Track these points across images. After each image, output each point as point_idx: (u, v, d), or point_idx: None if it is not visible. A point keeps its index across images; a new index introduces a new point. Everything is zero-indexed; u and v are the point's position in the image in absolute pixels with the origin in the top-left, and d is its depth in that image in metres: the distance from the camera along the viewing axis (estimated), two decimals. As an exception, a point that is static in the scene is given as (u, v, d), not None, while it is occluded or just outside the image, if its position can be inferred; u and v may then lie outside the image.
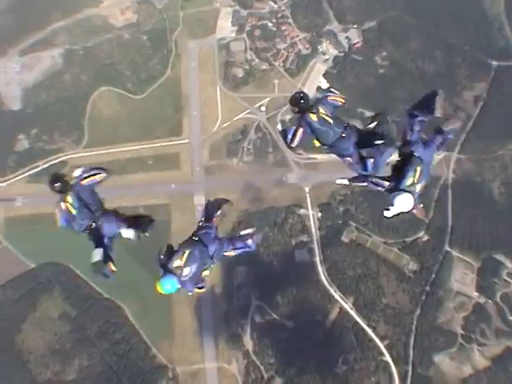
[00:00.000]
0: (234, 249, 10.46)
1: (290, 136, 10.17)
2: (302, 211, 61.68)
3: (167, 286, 8.93)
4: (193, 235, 9.92)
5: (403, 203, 9.13)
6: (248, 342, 58.75)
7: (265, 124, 64.35)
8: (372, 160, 10.34)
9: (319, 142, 10.39)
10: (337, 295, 58.64)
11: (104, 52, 66.64)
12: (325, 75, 65.69)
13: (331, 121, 9.96)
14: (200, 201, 60.86)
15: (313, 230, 60.97)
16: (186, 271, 8.86)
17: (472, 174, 61.24)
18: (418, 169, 9.18)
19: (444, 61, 64.81)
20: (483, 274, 57.76)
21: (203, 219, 10.34)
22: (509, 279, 57.38)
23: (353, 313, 58.07)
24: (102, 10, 68.58)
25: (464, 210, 60.02)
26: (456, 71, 64.61)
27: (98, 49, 66.73)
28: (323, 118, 9.88)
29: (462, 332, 56.20)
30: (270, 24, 67.03)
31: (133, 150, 63.23)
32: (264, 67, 65.74)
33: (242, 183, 62.05)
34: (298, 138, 10.06)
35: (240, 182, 61.79)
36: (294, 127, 10.07)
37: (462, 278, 58.01)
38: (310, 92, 64.20)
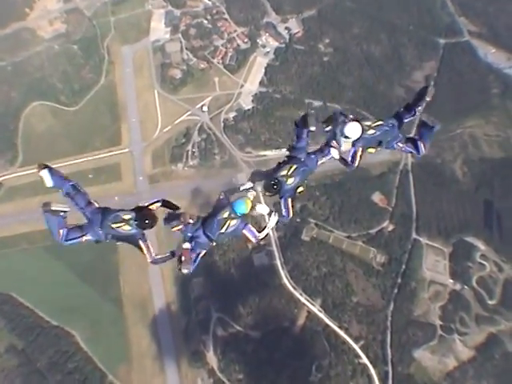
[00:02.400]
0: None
1: (287, 211, 10.52)
2: (256, 212, 57.90)
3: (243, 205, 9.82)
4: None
5: (351, 130, 10.04)
6: (212, 359, 55.03)
7: (208, 124, 62.25)
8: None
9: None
10: (303, 298, 55.55)
11: (33, 66, 64.17)
12: (267, 68, 64.18)
13: (296, 166, 10.28)
14: (146, 212, 57.39)
15: (270, 231, 57.19)
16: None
17: (431, 156, 59.51)
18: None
19: (389, 43, 64.00)
20: (456, 259, 55.68)
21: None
22: (483, 261, 55.24)
23: (322, 315, 54.94)
24: (29, 22, 66.59)
25: (428, 193, 58.20)
26: (403, 52, 63.86)
27: (27, 63, 64.32)
28: (293, 172, 10.19)
29: (440, 323, 53.76)
30: (205, 21, 65.56)
31: (71, 165, 59.75)
32: (202, 66, 63.85)
33: (190, 189, 59.02)
34: (292, 209, 10.53)
35: (187, 188, 58.78)
36: (283, 201, 10.46)
37: (434, 266, 55.84)
38: (253, 87, 62.52)
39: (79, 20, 65.86)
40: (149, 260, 10.03)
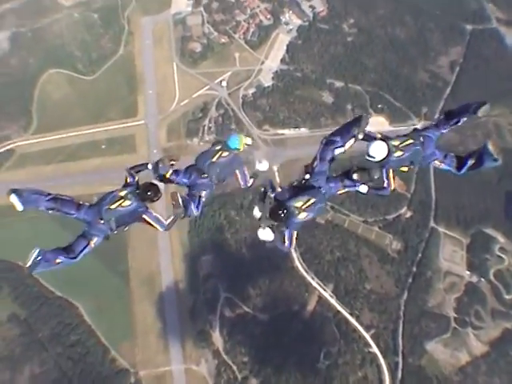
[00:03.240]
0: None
1: (288, 242, 9.41)
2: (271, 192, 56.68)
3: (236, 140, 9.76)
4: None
5: (377, 151, 9.24)
6: (218, 340, 53.58)
7: (226, 100, 60.96)
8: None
9: None
10: (314, 282, 54.05)
11: (53, 33, 63.13)
12: (289, 45, 62.91)
13: (314, 199, 9.04)
14: (159, 185, 56.35)
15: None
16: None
17: (454, 143, 57.19)
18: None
19: (415, 26, 62.55)
20: (474, 250, 54.25)
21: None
22: (502, 254, 53.74)
23: (333, 301, 53.47)
24: (50, -11, 65.48)
25: (448, 182, 55.72)
26: (429, 36, 62.38)
27: (46, 30, 63.20)
28: (308, 206, 8.97)
29: (454, 315, 52.20)
30: (228, -5, 64.05)
31: (85, 135, 59.07)
32: (223, 40, 62.62)
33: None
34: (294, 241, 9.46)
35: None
36: (288, 231, 9.30)
37: (451, 256, 54.35)
38: (274, 64, 61.23)
39: (101, -12, 64.88)
40: (161, 230, 9.35)
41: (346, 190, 9.85)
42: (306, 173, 9.70)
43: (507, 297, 51.98)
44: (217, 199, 56.34)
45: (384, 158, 9.18)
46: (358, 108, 59.08)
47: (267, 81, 60.79)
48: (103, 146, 58.97)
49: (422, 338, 51.57)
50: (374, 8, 63.52)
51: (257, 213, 9.77)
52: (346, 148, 9.75)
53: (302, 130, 59.03)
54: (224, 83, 60.93)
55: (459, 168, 9.73)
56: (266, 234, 9.61)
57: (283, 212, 8.81)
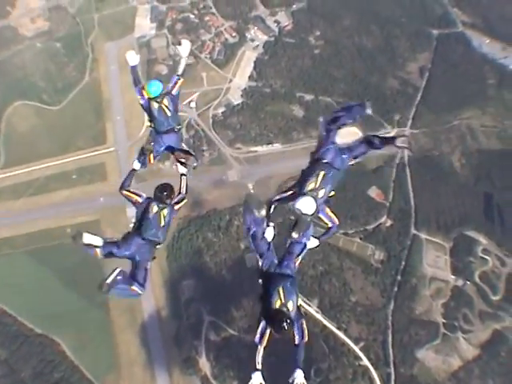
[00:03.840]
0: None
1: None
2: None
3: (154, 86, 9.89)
4: None
5: (304, 206, 8.47)
6: (205, 365, 52.15)
7: (196, 120, 60.24)
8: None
9: None
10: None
11: (15, 65, 62.18)
12: (256, 62, 62.52)
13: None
14: (133, 213, 55.21)
15: None
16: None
17: (428, 148, 58.16)
18: (321, 173, 8.73)
19: (381, 34, 62.57)
20: (457, 254, 53.64)
21: None
22: (485, 256, 53.19)
23: (319, 316, 52.25)
24: (11, 20, 64.83)
25: (426, 187, 56.31)
26: (395, 44, 62.43)
27: (8, 62, 62.29)
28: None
29: (443, 321, 51.41)
30: (191, 16, 63.79)
31: (54, 166, 58.02)
32: (189, 61, 61.17)
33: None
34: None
35: (175, 187, 55.83)
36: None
37: (435, 262, 53.73)
38: (242, 81, 60.82)
39: (62, 17, 64.03)
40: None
41: (300, 255, 9.17)
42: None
43: (494, 298, 51.43)
44: (193, 222, 55.52)
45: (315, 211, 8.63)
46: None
47: (236, 99, 60.15)
48: (74, 176, 57.87)
49: (413, 346, 50.56)
50: (339, 19, 63.30)
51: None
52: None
53: (275, 145, 58.31)
54: (193, 104, 60.25)
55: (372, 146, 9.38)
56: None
57: (287, 324, 8.12)
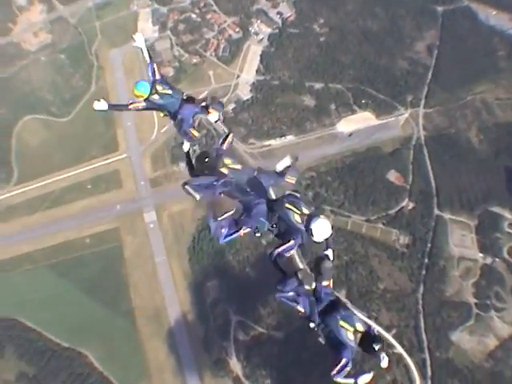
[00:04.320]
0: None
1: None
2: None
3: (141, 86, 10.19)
4: None
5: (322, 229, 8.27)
6: (236, 366, 51.37)
7: (207, 120, 58.57)
8: None
9: None
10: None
11: (21, 80, 62.15)
12: (262, 55, 61.87)
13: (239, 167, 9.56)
14: (151, 217, 54.92)
15: None
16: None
17: (444, 126, 57.33)
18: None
19: (386, 16, 61.80)
20: (483, 231, 52.76)
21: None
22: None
23: (349, 306, 50.57)
24: (13, 37, 64.84)
25: (445, 166, 55.35)
26: (401, 24, 61.63)
27: (14, 78, 62.29)
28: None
29: (475, 301, 50.44)
30: (193, 15, 63.33)
31: (68, 177, 57.83)
32: (195, 61, 61.56)
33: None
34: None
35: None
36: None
37: (461, 241, 52.81)
38: (250, 76, 60.13)
39: (64, 28, 64.01)
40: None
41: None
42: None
43: None
44: (205, 218, 54.81)
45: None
46: (341, 106, 58.07)
47: (245, 94, 59.60)
48: (89, 186, 57.66)
49: (446, 329, 49.65)
50: (341, 4, 62.73)
51: None
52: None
53: (289, 137, 57.57)
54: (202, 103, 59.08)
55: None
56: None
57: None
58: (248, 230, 8.84)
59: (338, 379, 8.34)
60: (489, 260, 51.58)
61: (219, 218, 8.89)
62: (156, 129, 59.34)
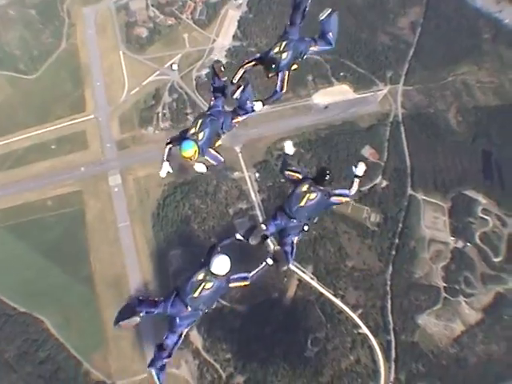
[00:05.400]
0: (239, 114, 10.70)
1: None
2: (236, 174, 54.37)
3: (188, 147, 9.20)
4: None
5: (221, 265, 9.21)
6: (196, 339, 50.08)
7: (179, 83, 58.09)
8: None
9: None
10: (292, 265, 50.19)
11: (-13, 33, 59.51)
12: (240, 21, 60.42)
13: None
14: (116, 181, 53.12)
15: (252, 194, 53.88)
16: (201, 135, 9.45)
17: (423, 105, 56.64)
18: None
19: (370, -11, 60.19)
20: (456, 214, 52.35)
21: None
22: (485, 216, 52.01)
23: (314, 283, 50.69)
24: (-19, -11, 62.04)
25: (421, 146, 54.68)
26: None
27: (-19, 32, 59.53)
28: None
29: (444, 285, 50.15)
30: (170, -24, 61.02)
31: (32, 137, 55.56)
32: (170, 22, 59.74)
33: (162, 153, 53.81)
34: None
35: (159, 153, 52.04)
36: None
37: (434, 223, 52.33)
38: (226, 41, 58.39)
39: (36, -17, 61.48)
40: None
41: (315, 48, 11.14)
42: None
43: (496, 260, 50.31)
44: (179, 188, 53.39)
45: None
46: (318, 78, 56.75)
47: (221, 59, 57.46)
48: (53, 147, 55.50)
49: (413, 312, 49.28)
50: (324, -26, 60.64)
51: None
52: None
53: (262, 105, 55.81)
54: (175, 66, 58.11)
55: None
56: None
57: (272, 61, 10.17)
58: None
59: None
60: (460, 244, 51.15)
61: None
62: (126, 90, 57.72)
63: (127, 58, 58.93)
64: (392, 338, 48.67)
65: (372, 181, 53.32)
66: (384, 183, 53.52)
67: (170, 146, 10.07)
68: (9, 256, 52.53)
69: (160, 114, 56.33)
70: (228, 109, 10.68)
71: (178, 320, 9.25)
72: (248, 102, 10.75)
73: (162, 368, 9.11)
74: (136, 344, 50.99)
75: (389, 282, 50.31)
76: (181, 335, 9.36)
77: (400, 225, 52.11)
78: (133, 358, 50.41)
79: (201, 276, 9.07)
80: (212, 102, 10.50)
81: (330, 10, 11.15)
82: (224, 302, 49.94)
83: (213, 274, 9.05)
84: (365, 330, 49.04)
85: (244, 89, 10.61)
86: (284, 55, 10.19)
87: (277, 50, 10.24)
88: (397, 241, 51.59)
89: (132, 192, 53.55)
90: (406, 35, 58.92)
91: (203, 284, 8.95)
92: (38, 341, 50.63)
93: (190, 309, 9.05)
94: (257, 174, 54.08)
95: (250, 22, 60.27)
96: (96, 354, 50.49)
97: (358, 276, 50.62)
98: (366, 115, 55.81)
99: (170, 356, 9.17)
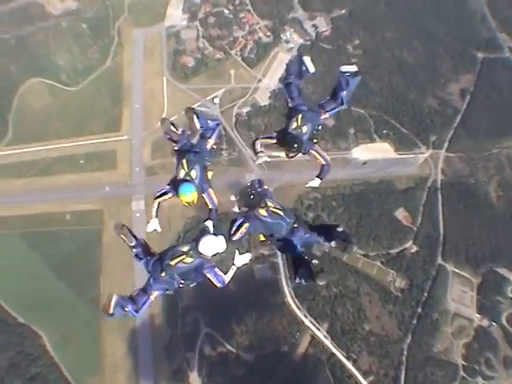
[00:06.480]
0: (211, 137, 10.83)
1: (233, 228, 10.28)
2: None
3: (187, 190, 9.58)
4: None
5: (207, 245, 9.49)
6: (195, 380, 49.66)
7: (218, 118, 58.30)
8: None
9: (269, 235, 10.63)
10: (307, 321, 50.82)
11: (38, 41, 61.08)
12: (288, 64, 60.62)
13: (281, 212, 10.15)
14: (139, 206, 53.52)
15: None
16: (194, 174, 9.78)
17: (464, 174, 56.40)
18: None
19: (424, 51, 61.30)
20: (484, 291, 51.66)
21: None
22: None
23: (328, 342, 50.09)
24: (39, -3, 64.28)
25: (457, 215, 54.33)
26: (438, 62, 61.17)
27: (31, 38, 61.13)
28: (273, 212, 10.08)
29: (463, 363, 49.26)
30: (226, 11, 62.66)
31: (62, 148, 56.31)
32: (218, 56, 60.77)
33: (150, 210, 54.08)
34: (239, 235, 10.26)
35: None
36: (240, 220, 10.25)
37: (460, 297, 51.65)
38: (272, 83, 59.51)
39: (92, -1, 63.71)
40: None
41: (327, 114, 11.36)
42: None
43: None
44: (195, 218, 53.24)
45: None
46: (360, 132, 57.14)
47: (264, 100, 58.77)
48: (81, 161, 56.29)
49: None
50: (380, 30, 62.24)
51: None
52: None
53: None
54: (217, 100, 58.95)
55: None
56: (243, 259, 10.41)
57: (294, 139, 10.16)
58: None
59: None
60: (485, 323, 50.31)
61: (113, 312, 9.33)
62: (164, 115, 57.44)
63: (170, 85, 59.91)
64: (402, 412, 47.03)
65: (402, 244, 53.13)
66: (414, 248, 53.13)
67: (159, 200, 10.25)
68: (18, 264, 52.83)
69: (195, 146, 56.46)
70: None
71: (151, 280, 9.57)
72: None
73: (120, 311, 9.42)
74: (132, 378, 50.82)
75: (405, 352, 49.48)
76: (149, 297, 9.66)
77: (425, 294, 51.48)
78: (127, 391, 49.95)
79: (185, 248, 9.31)
80: (191, 140, 10.52)
81: (356, 69, 10.98)
82: (230, 347, 49.80)
83: (198, 251, 9.31)
84: (374, 400, 47.42)
85: None
86: (304, 129, 10.30)
87: (294, 125, 10.33)
88: (420, 310, 50.89)
89: (154, 220, 53.62)
90: (455, 101, 59.26)
91: (183, 256, 9.17)
92: (32, 355, 50.44)
93: (163, 274, 9.27)
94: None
95: (299, 67, 60.64)
96: (89, 380, 50.40)
97: (375, 341, 49.88)
98: (404, 177, 55.88)
99: (137, 312, 9.59)
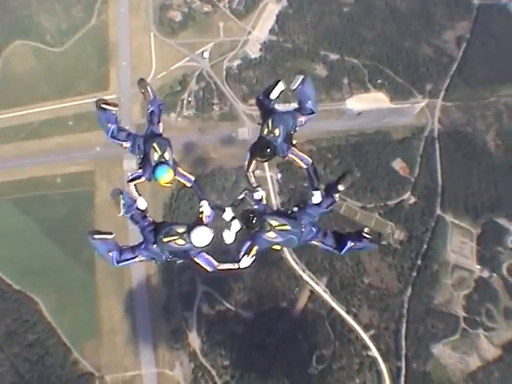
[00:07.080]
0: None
1: (243, 253, 9.33)
2: (257, 172, 52.21)
3: (164, 172, 9.26)
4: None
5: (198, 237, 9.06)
6: (194, 340, 48.96)
7: (208, 72, 57.21)
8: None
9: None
10: (306, 275, 49.95)
11: (20, 2, 59.21)
12: (279, 15, 59.55)
13: (289, 227, 9.21)
14: (131, 165, 51.66)
15: (272, 195, 52.37)
16: (167, 156, 9.49)
17: (461, 123, 55.22)
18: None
19: (417, -1, 59.29)
20: (484, 242, 50.66)
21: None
22: None
23: (327, 297, 49.27)
24: (19, -42, 62.24)
25: (455, 165, 53.10)
26: (433, 10, 59.68)
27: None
28: (281, 230, 9.18)
29: (464, 315, 48.51)
30: (212, -37, 60.53)
31: (50, 110, 54.78)
32: (206, 9, 59.04)
33: (183, 142, 52.95)
34: (250, 260, 9.32)
35: (180, 141, 52.25)
36: (249, 243, 9.31)
37: (460, 248, 50.58)
38: (262, 34, 57.28)
39: (73, -43, 61.28)
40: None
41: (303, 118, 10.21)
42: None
43: None
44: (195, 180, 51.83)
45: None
46: (354, 82, 55.62)
47: (254, 52, 57.06)
48: (70, 123, 54.78)
49: (428, 339, 47.63)
50: (373, -21, 60.49)
51: (228, 215, 9.97)
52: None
53: (293, 105, 54.04)
54: (206, 54, 57.23)
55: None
56: (228, 236, 9.63)
57: (254, 219, 8.90)
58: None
59: None
60: (486, 274, 49.50)
61: (96, 238, 9.26)
62: (152, 73, 56.88)
63: (157, 40, 58.20)
64: (403, 364, 47.09)
65: (400, 196, 52.00)
66: (412, 200, 52.01)
67: (135, 182, 9.76)
68: (11, 229, 51.81)
69: (185, 102, 55.43)
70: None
71: (142, 246, 9.40)
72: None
73: (131, 208, 9.52)
74: (130, 340, 50.20)
75: (406, 305, 48.73)
76: (135, 258, 9.49)
77: (424, 246, 50.45)
78: (125, 353, 49.66)
79: (181, 230, 9.06)
80: (150, 127, 10.60)
81: (302, 76, 9.99)
82: (228, 305, 49.09)
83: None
84: (375, 352, 47.45)
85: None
86: (276, 132, 9.62)
87: (266, 130, 9.68)
88: (419, 262, 49.93)
89: (146, 179, 52.37)
90: (451, 49, 57.68)
91: (176, 237, 8.96)
92: (29, 322, 49.85)
93: (155, 246, 9.18)
94: (279, 175, 52.76)
95: (288, 18, 59.32)
96: (87, 344, 49.64)
97: (374, 294, 49.08)
98: (401, 127, 54.47)
99: (118, 263, 9.43)
